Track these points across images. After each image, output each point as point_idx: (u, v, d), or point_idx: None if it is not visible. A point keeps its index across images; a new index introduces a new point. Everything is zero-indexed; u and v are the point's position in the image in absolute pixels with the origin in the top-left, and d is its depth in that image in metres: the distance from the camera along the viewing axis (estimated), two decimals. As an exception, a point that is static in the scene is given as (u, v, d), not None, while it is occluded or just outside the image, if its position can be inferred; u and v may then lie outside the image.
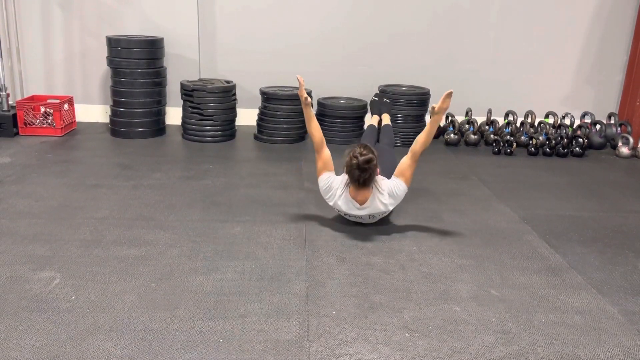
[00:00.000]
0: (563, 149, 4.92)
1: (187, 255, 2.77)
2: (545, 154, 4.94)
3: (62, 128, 4.88)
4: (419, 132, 4.97)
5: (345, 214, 3.14)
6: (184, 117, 5.02)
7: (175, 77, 5.20)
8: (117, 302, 2.33)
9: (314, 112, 5.20)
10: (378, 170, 3.01)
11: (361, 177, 2.88)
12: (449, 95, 2.96)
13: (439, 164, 4.53)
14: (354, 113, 5.08)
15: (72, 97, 5.13)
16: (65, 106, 4.97)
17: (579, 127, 5.25)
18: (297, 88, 5.19)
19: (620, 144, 5.06)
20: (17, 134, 4.84)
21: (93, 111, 5.44)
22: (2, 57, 4.82)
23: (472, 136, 5.13)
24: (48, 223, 3.08)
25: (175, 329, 2.17)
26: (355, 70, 5.46)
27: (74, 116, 5.17)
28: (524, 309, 2.42)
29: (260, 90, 5.08)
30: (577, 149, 4.94)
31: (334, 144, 4.92)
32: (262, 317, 2.27)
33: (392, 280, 2.62)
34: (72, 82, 5.36)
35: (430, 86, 5.25)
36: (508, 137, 5.04)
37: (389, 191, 3.01)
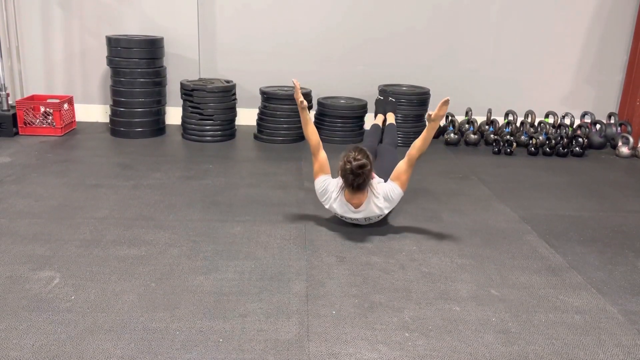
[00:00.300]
0: (563, 148, 4.91)
1: (187, 255, 2.77)
2: (545, 153, 4.94)
3: (62, 128, 4.88)
4: (419, 132, 5.04)
5: (341, 217, 3.14)
6: (183, 117, 5.02)
7: (175, 76, 5.20)
8: (117, 302, 2.33)
9: (313, 112, 5.27)
10: (373, 174, 3.01)
11: (355, 182, 2.88)
12: (446, 102, 2.96)
13: (439, 164, 4.53)
14: (353, 113, 5.08)
15: (72, 97, 5.13)
16: (65, 106, 4.97)
17: (579, 126, 5.25)
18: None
19: (620, 143, 5.06)
20: (17, 133, 4.84)
21: (93, 111, 5.44)
22: (2, 56, 4.82)
23: (472, 136, 5.13)
24: (48, 223, 3.08)
25: (175, 329, 2.17)
26: (355, 70, 5.46)
27: (73, 116, 5.17)
28: (524, 309, 2.42)
29: (260, 90, 5.08)
30: (577, 148, 4.94)
31: (334, 144, 4.92)
32: (262, 317, 2.27)
33: (392, 280, 2.62)
34: (72, 81, 5.36)
35: (431, 86, 5.25)
36: (508, 136, 5.04)
37: (384, 195, 3.01)
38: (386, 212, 3.08)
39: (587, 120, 5.45)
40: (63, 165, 4.09)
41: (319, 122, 5.14)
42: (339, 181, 3.02)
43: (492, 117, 5.31)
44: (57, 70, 5.32)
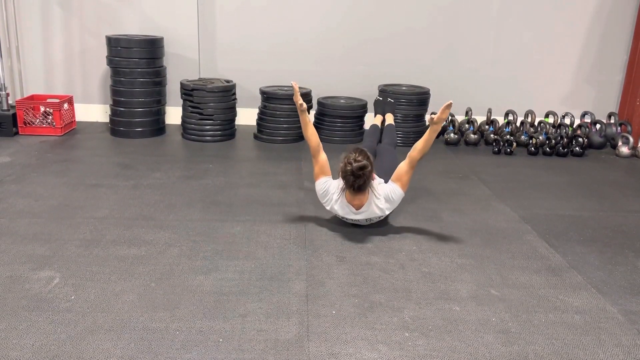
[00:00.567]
0: (563, 148, 4.91)
1: (187, 255, 2.77)
2: (545, 153, 4.94)
3: (61, 127, 4.87)
4: (418, 132, 5.06)
5: (342, 218, 3.14)
6: (183, 117, 5.02)
7: (175, 76, 5.20)
8: (116, 302, 2.33)
9: (313, 112, 5.27)
10: (374, 175, 3.01)
11: (356, 183, 2.88)
12: (449, 106, 2.96)
13: (439, 164, 4.53)
14: (353, 112, 5.08)
15: (71, 97, 5.13)
16: (65, 106, 4.97)
17: (579, 126, 5.25)
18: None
19: (620, 143, 5.06)
20: (16, 133, 4.84)
21: (93, 111, 5.44)
22: (2, 56, 4.82)
23: (472, 136, 5.13)
24: (48, 222, 3.08)
25: (175, 329, 2.17)
26: (355, 70, 5.46)
27: (73, 116, 5.16)
28: (524, 309, 2.42)
29: (260, 89, 5.08)
30: (577, 148, 4.94)
31: (334, 144, 4.92)
32: (262, 317, 2.27)
33: (392, 279, 2.62)
34: (72, 81, 5.36)
35: (431, 86, 5.25)
36: (508, 136, 5.04)
37: (385, 196, 3.01)
38: (387, 212, 3.08)
39: (587, 120, 5.45)
40: (63, 165, 4.09)
41: (318, 122, 5.14)
42: (339, 182, 3.02)
43: (492, 117, 5.31)
44: (57, 70, 5.32)
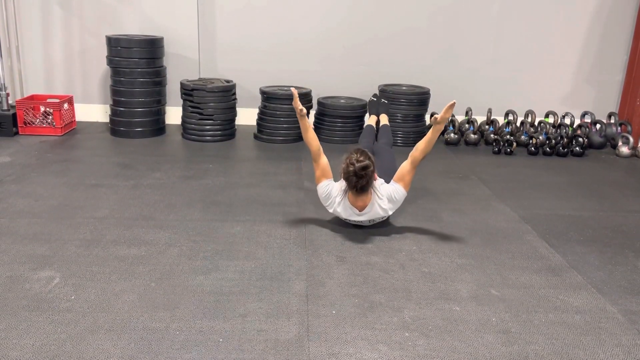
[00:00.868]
0: (563, 148, 4.91)
1: (187, 255, 2.77)
2: (545, 153, 4.94)
3: (61, 127, 4.87)
4: (418, 132, 5.07)
5: (345, 219, 3.13)
6: (183, 117, 5.02)
7: (175, 76, 5.20)
8: (117, 302, 2.33)
9: (313, 112, 5.27)
10: (376, 175, 3.01)
11: (358, 184, 2.88)
12: (452, 106, 2.95)
13: (439, 164, 4.53)
14: (353, 112, 5.08)
15: (72, 97, 5.13)
16: (65, 105, 4.97)
17: (579, 126, 5.26)
18: (297, 87, 5.20)
19: (620, 143, 5.06)
20: (16, 133, 4.83)
21: (93, 110, 5.44)
22: (2, 56, 4.82)
23: (472, 136, 5.13)
24: (48, 222, 3.08)
25: (175, 329, 2.17)
26: (355, 70, 5.46)
27: (73, 115, 5.16)
28: (524, 309, 2.42)
29: (260, 89, 5.08)
30: (577, 148, 4.94)
31: (334, 144, 4.93)
32: (262, 317, 2.27)
33: (392, 279, 2.62)
34: (72, 81, 5.36)
35: (431, 86, 5.25)
36: (508, 136, 5.04)
37: (388, 196, 3.01)
38: (390, 213, 3.09)
39: (587, 120, 5.45)
40: (63, 165, 4.09)
41: (318, 122, 5.15)
42: (341, 184, 3.02)
43: (492, 117, 5.31)
44: (57, 70, 5.32)
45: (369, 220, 3.09)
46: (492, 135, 5.11)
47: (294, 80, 5.33)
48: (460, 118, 5.40)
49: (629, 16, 5.46)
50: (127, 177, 3.87)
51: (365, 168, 2.83)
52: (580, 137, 4.98)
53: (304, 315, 2.29)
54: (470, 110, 5.31)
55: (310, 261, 2.76)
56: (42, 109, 4.87)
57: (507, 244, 3.06)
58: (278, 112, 4.96)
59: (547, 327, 2.29)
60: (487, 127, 5.29)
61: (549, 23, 5.43)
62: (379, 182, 3.07)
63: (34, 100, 5.03)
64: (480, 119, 5.43)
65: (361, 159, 2.85)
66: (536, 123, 5.33)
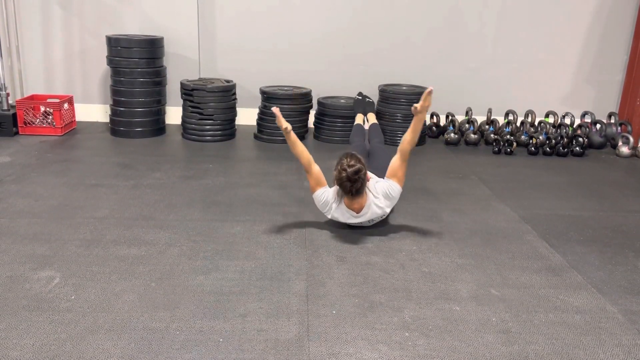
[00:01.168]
0: (563, 148, 4.91)
1: (187, 255, 2.77)
2: (545, 153, 4.94)
3: (62, 127, 4.88)
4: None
5: (345, 223, 3.13)
6: (183, 117, 5.02)
7: (175, 76, 5.20)
8: (117, 302, 2.33)
9: (313, 112, 5.27)
10: (369, 175, 3.01)
11: (353, 188, 2.89)
12: (429, 93, 2.98)
13: (439, 164, 4.53)
14: (353, 112, 5.06)
15: (72, 97, 5.13)
16: (65, 105, 4.97)
17: (579, 126, 5.26)
18: (297, 87, 5.20)
19: (620, 143, 5.06)
20: (17, 133, 4.84)
21: (93, 110, 5.44)
22: (2, 56, 4.82)
23: (472, 135, 5.13)
24: (48, 222, 3.08)
25: (175, 329, 2.17)
26: (356, 70, 5.46)
27: (73, 115, 5.16)
28: (524, 309, 2.42)
29: (260, 89, 5.08)
30: (577, 148, 4.94)
31: (334, 144, 4.93)
32: (262, 317, 2.27)
33: (392, 279, 2.62)
34: (72, 81, 5.36)
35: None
36: (508, 136, 5.04)
37: (383, 194, 3.02)
38: (388, 210, 3.08)
39: (587, 120, 5.45)
40: (63, 165, 4.09)
41: (318, 122, 5.15)
42: (335, 190, 3.02)
43: (492, 117, 5.31)
44: (57, 69, 5.32)
45: (369, 221, 3.09)
46: (492, 135, 5.11)
47: (294, 80, 5.33)
48: (460, 118, 5.41)
49: (629, 16, 5.46)
50: (127, 177, 3.88)
51: (357, 172, 2.84)
52: (581, 137, 4.98)
53: (304, 315, 2.29)
54: (470, 110, 5.31)
55: (310, 261, 2.76)
56: (42, 109, 4.87)
57: (507, 244, 3.06)
58: (278, 112, 4.95)
59: (547, 327, 2.29)
60: (487, 127, 5.29)
61: (549, 23, 5.43)
62: (373, 181, 3.07)
63: (34, 100, 5.03)
64: (480, 119, 5.43)
65: (352, 163, 2.86)
66: (536, 123, 5.33)
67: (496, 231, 3.23)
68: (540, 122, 5.23)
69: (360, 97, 4.71)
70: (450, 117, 5.28)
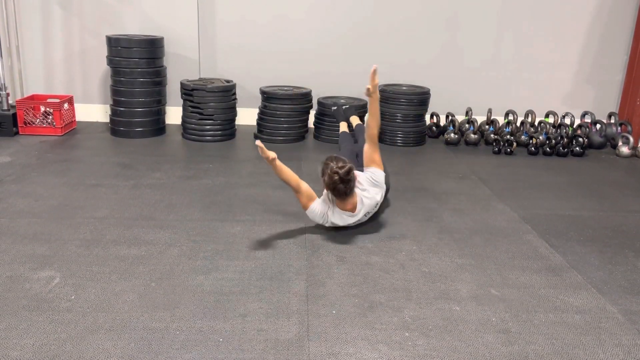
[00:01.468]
0: (563, 148, 4.91)
1: (187, 255, 2.77)
2: (545, 153, 4.94)
3: (62, 127, 4.87)
4: (418, 132, 5.07)
5: (344, 226, 3.12)
6: (184, 117, 5.02)
7: (175, 76, 5.20)
8: (117, 302, 2.33)
9: (313, 112, 5.27)
10: (355, 173, 3.02)
11: (347, 189, 2.91)
12: (374, 72, 3.10)
13: (439, 164, 4.53)
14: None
15: (72, 97, 5.13)
16: (65, 105, 4.97)
17: (579, 126, 5.25)
18: (297, 87, 5.20)
19: (620, 143, 5.06)
20: (17, 133, 4.83)
21: (93, 110, 5.43)
22: (2, 56, 4.82)
23: (472, 135, 5.12)
24: (48, 222, 3.08)
25: (175, 329, 2.17)
26: (355, 70, 5.45)
27: (73, 115, 5.16)
28: (524, 309, 2.42)
29: (260, 89, 5.08)
30: (577, 148, 4.94)
31: (334, 144, 4.92)
32: (262, 317, 2.27)
33: (392, 279, 2.62)
34: (72, 81, 5.36)
35: (430, 86, 5.25)
36: (508, 136, 5.04)
37: (369, 183, 3.06)
38: (378, 197, 3.09)
39: (587, 120, 5.45)
40: (63, 165, 4.09)
41: (318, 122, 5.14)
42: (325, 197, 3.02)
43: (492, 117, 5.31)
44: (57, 69, 5.32)
45: (365, 215, 3.10)
46: (492, 135, 5.11)
47: (294, 80, 5.34)
48: (460, 118, 5.41)
49: (629, 16, 5.46)
50: (127, 177, 3.88)
51: (349, 172, 2.88)
52: (581, 137, 4.98)
53: (304, 315, 2.29)
54: (470, 110, 5.31)
55: (310, 261, 2.76)
56: (42, 108, 4.87)
57: (507, 244, 3.06)
58: (278, 112, 4.96)
59: (547, 327, 2.29)
60: (487, 127, 5.29)
61: (549, 23, 5.43)
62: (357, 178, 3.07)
63: (34, 100, 5.03)
64: (480, 119, 5.43)
65: (341, 165, 2.88)
66: (536, 123, 5.33)
67: (496, 231, 3.23)
68: (540, 122, 5.23)
69: (335, 107, 4.71)
70: (450, 117, 5.28)
